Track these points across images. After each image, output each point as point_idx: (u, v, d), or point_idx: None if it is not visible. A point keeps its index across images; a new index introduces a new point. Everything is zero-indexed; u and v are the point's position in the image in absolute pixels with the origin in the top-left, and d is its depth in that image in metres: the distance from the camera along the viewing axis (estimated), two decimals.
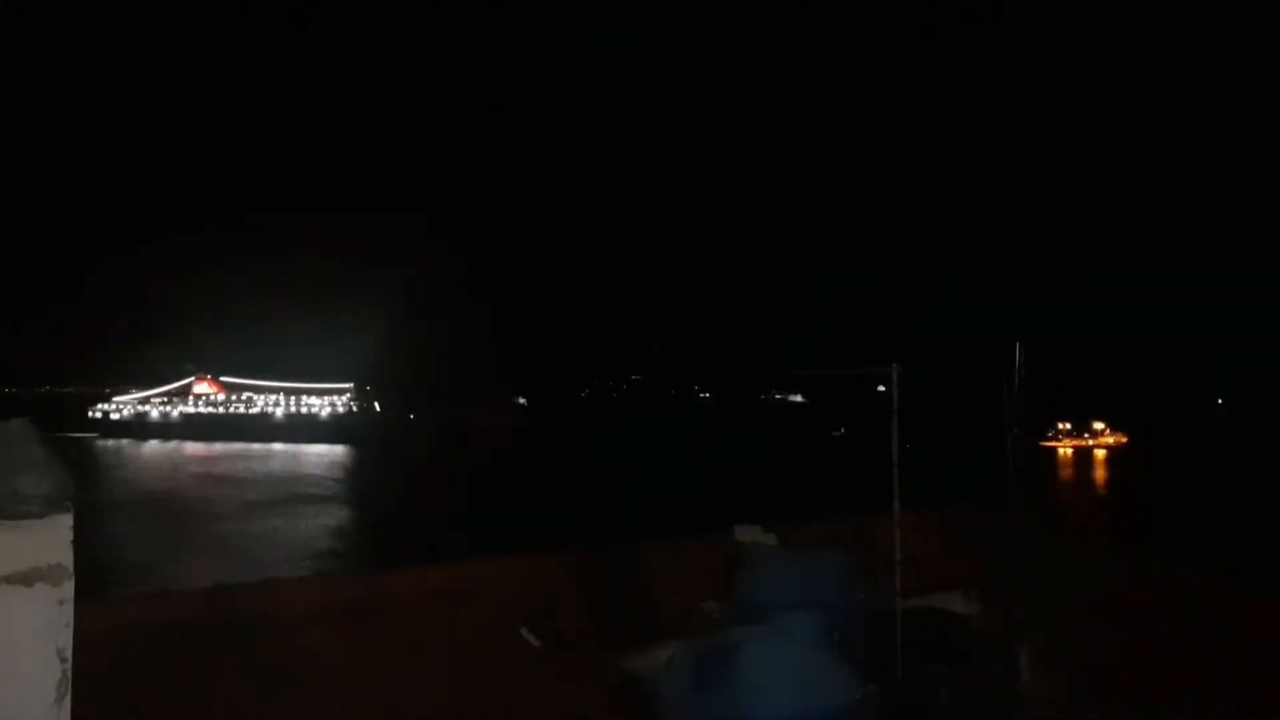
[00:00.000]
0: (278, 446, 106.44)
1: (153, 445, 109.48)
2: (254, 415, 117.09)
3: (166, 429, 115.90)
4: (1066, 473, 77.53)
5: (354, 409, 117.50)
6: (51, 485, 1.85)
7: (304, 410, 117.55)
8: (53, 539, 1.80)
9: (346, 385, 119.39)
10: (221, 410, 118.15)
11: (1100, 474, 78.52)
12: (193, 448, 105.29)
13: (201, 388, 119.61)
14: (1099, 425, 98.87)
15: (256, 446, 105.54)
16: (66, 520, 1.83)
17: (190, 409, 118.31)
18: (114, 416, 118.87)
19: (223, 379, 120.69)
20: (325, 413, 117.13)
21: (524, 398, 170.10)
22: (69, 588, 1.80)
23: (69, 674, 1.79)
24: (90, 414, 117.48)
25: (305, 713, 5.90)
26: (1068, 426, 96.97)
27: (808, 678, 4.83)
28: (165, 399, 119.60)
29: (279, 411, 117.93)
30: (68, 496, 1.88)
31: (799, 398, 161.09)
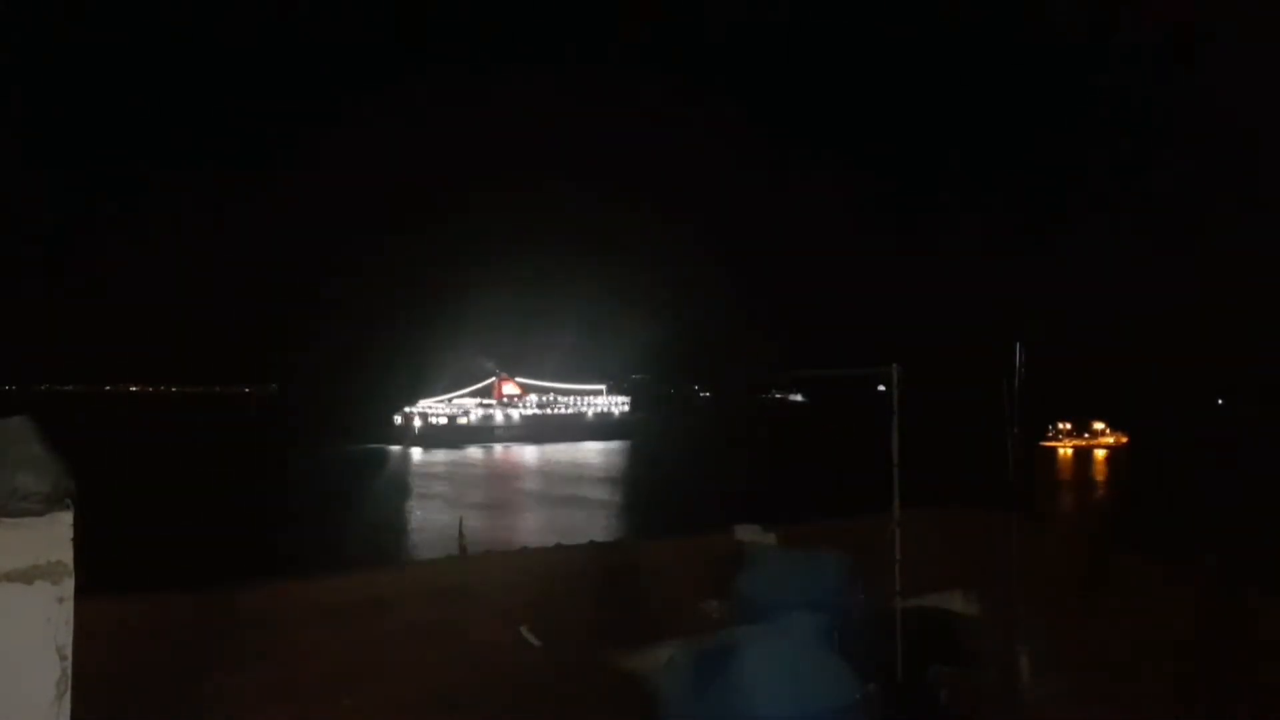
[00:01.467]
0: (590, 445, 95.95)
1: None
2: (570, 415, 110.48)
3: (508, 433, 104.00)
4: (1066, 473, 77.53)
5: (633, 408, 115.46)
6: (52, 483, 1.85)
7: (599, 410, 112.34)
8: (53, 536, 1.81)
9: (598, 386, 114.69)
10: (550, 411, 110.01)
11: (1100, 474, 78.48)
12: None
13: (509, 388, 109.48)
14: (1099, 425, 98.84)
15: (591, 447, 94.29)
16: (66, 518, 1.84)
17: (529, 411, 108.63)
18: (441, 422, 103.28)
19: (519, 379, 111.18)
20: (618, 412, 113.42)
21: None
22: (69, 585, 1.81)
23: (69, 672, 1.79)
24: (402, 418, 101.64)
25: (310, 705, 5.90)
26: (1068, 426, 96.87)
27: (808, 678, 4.82)
28: (484, 402, 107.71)
29: (590, 412, 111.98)
30: (68, 494, 1.88)
31: (799, 397, 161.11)
